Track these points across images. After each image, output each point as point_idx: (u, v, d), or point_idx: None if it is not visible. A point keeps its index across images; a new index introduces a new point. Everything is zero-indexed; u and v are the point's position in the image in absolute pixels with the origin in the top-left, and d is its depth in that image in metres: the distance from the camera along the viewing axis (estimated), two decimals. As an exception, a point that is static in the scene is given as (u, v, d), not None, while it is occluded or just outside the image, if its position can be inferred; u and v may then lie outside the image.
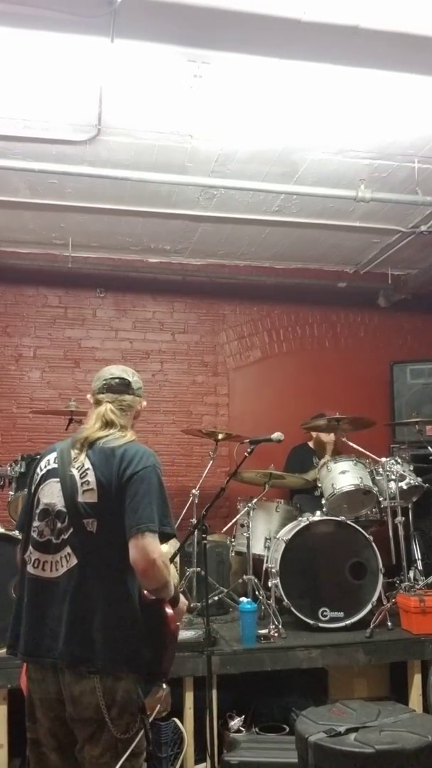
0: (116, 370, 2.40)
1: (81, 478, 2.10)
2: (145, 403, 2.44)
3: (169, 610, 2.07)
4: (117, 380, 2.34)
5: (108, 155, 4.04)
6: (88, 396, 2.37)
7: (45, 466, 2.22)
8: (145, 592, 2.09)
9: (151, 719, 2.04)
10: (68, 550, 2.06)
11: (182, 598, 2.24)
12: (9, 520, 4.29)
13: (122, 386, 2.34)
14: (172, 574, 2.11)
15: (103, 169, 4.08)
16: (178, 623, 2.11)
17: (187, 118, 3.67)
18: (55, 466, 2.18)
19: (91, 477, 2.09)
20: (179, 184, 4.34)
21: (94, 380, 2.38)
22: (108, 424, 2.23)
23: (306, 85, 3.35)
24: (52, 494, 2.14)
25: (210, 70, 3.22)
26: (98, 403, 2.31)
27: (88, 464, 2.11)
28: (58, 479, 2.14)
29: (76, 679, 1.98)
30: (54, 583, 2.06)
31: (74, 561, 2.05)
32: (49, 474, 2.19)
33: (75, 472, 2.12)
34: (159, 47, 3.04)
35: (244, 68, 3.21)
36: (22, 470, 4.17)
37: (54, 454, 2.22)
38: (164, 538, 2.05)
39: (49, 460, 2.22)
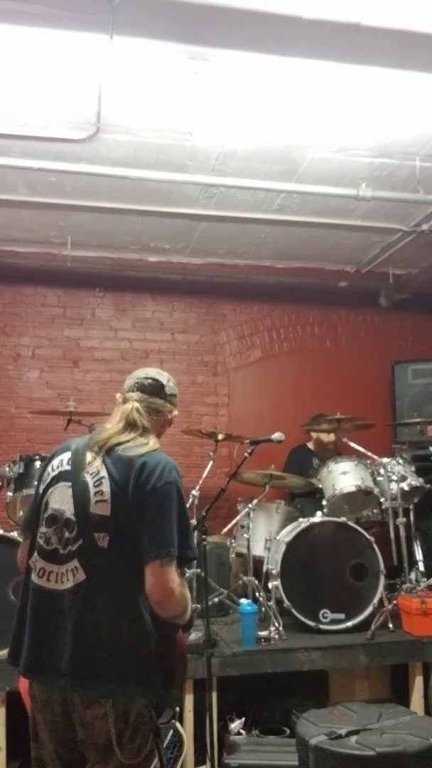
0: (152, 371, 2.25)
1: (95, 486, 1.94)
2: (176, 413, 2.29)
3: (180, 634, 1.99)
4: (150, 380, 2.20)
5: (107, 153, 4.02)
6: (117, 395, 2.21)
7: (57, 467, 2.07)
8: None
9: (165, 743, 2.00)
10: (76, 563, 1.92)
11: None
12: (8, 521, 4.26)
13: (155, 388, 2.19)
14: (187, 598, 2.03)
15: (103, 167, 4.06)
16: (185, 649, 2.03)
17: (187, 115, 3.65)
18: (68, 468, 2.03)
19: (105, 487, 1.93)
20: (179, 182, 4.32)
21: (127, 379, 2.24)
22: (131, 425, 2.08)
23: (307, 83, 3.33)
24: (62, 500, 1.99)
25: (210, 68, 3.20)
26: (125, 402, 2.15)
27: (104, 472, 1.95)
28: (70, 484, 1.99)
29: (86, 703, 1.86)
30: (59, 596, 1.93)
31: (82, 576, 1.91)
32: (61, 476, 2.03)
33: (89, 478, 1.96)
34: (158, 44, 3.02)
35: (245, 65, 3.18)
36: (21, 471, 4.15)
37: (68, 454, 2.07)
38: (185, 562, 1.95)
39: (62, 460, 2.07)
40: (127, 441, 2.03)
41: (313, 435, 5.37)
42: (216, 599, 4.31)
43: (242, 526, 4.47)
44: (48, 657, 1.91)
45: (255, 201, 4.71)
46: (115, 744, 1.83)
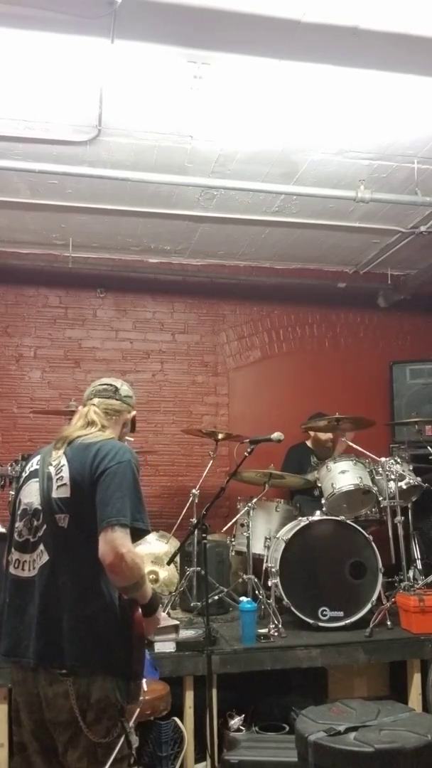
0: (106, 379, 2.45)
1: (56, 474, 2.08)
2: (134, 413, 2.45)
3: (138, 613, 1.99)
4: (105, 386, 2.38)
5: (108, 156, 4.05)
6: (79, 407, 2.40)
7: (29, 469, 2.23)
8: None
9: (132, 722, 1.97)
10: (41, 547, 2.04)
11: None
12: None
13: (109, 391, 2.37)
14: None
15: (104, 169, 4.09)
16: (144, 631, 2.02)
17: (188, 118, 3.68)
18: (37, 467, 2.17)
19: (65, 473, 2.07)
20: (179, 184, 4.35)
21: (86, 390, 2.43)
22: (90, 423, 2.23)
23: (306, 86, 3.35)
24: (30, 493, 2.14)
25: (210, 71, 3.23)
26: (85, 405, 2.35)
27: (64, 461, 2.10)
28: (37, 479, 2.13)
29: (49, 681, 1.94)
30: (30, 582, 2.04)
31: (46, 557, 2.02)
32: (31, 475, 2.18)
33: (52, 469, 2.10)
34: (159, 48, 3.05)
35: (244, 69, 3.21)
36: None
37: (38, 457, 2.22)
38: (137, 535, 1.98)
39: (32, 463, 2.23)
40: (87, 434, 2.17)
41: (311, 433, 5.39)
42: (216, 597, 4.34)
43: (242, 525, 4.49)
44: (22, 639, 2.01)
45: (254, 203, 4.74)
46: (81, 722, 1.88)
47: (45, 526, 2.05)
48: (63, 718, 1.91)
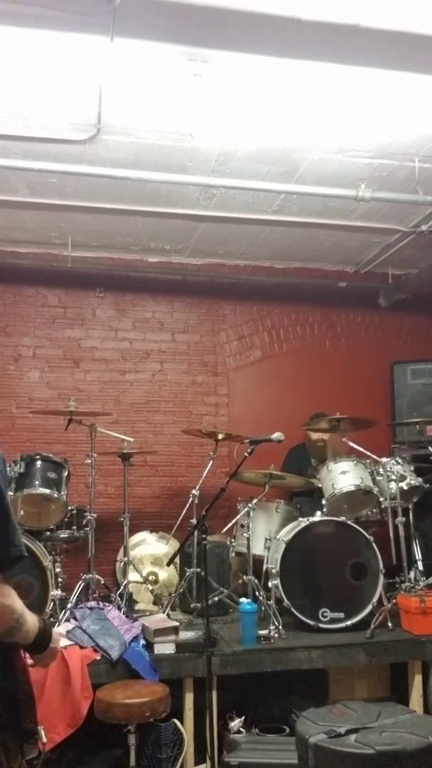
0: None
1: None
2: None
3: (22, 659, 1.68)
4: None
5: (108, 154, 4.03)
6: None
7: None
8: None
9: None
10: None
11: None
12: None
13: None
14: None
15: (103, 168, 4.08)
16: (31, 680, 1.68)
17: (187, 117, 3.67)
18: None
19: None
20: (179, 183, 4.33)
21: None
22: None
23: (306, 84, 3.34)
24: None
25: (210, 69, 3.22)
26: None
27: None
28: None
29: None
30: None
31: None
32: None
33: None
34: (159, 46, 3.04)
35: (244, 67, 3.20)
36: (22, 471, 4.17)
37: None
38: (6, 565, 1.59)
39: None
40: None
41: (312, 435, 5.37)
42: (216, 598, 4.32)
43: (242, 526, 4.48)
44: None
45: (255, 202, 4.73)
46: None
47: None
48: None
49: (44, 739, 1.71)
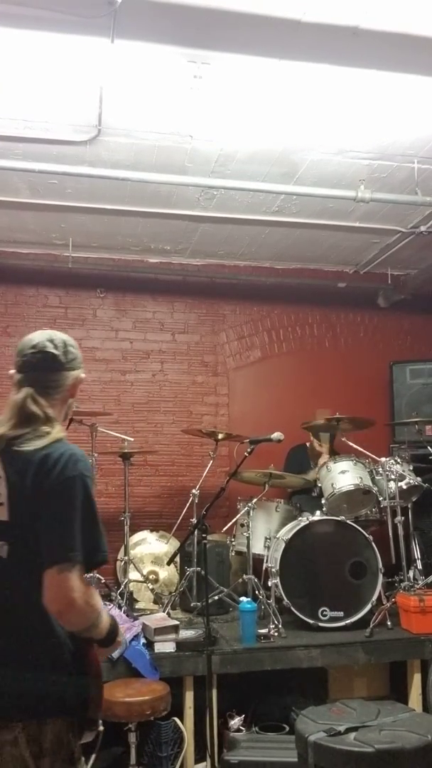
0: (39, 339, 1.82)
1: None
2: (83, 375, 1.90)
3: (94, 651, 1.78)
4: (39, 355, 1.80)
5: (108, 156, 4.05)
6: (10, 372, 1.84)
7: None
8: None
9: None
10: None
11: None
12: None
13: (46, 361, 1.80)
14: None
15: (104, 169, 4.09)
16: (100, 669, 1.80)
17: (188, 118, 3.68)
18: None
19: (2, 488, 1.70)
20: (179, 184, 4.35)
21: (15, 353, 1.86)
22: (26, 419, 1.75)
23: (306, 86, 3.35)
24: None
25: (210, 71, 3.23)
26: (18, 386, 1.79)
27: (0, 472, 1.72)
28: None
29: None
30: None
31: None
32: None
33: None
34: (159, 48, 3.05)
35: (244, 69, 3.21)
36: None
37: None
38: (92, 567, 1.71)
39: None
40: (25, 434, 1.73)
41: (311, 438, 5.38)
42: (216, 597, 4.33)
43: (242, 525, 4.49)
44: None
45: (254, 203, 4.74)
46: None
47: None
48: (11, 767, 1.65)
49: (101, 728, 1.85)
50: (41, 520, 1.65)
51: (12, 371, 1.83)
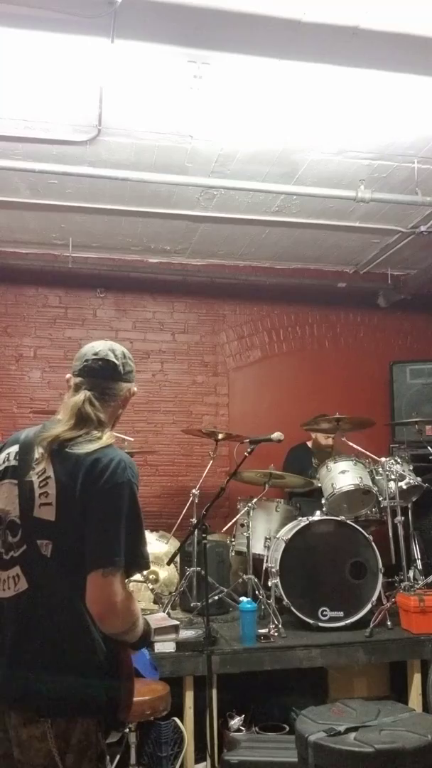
0: (101, 347, 1.93)
1: (40, 488, 1.74)
2: (135, 389, 2.01)
3: (127, 653, 1.81)
4: (101, 362, 1.90)
5: (108, 155, 4.05)
6: (68, 376, 1.95)
7: (4, 461, 1.87)
8: None
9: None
10: (18, 570, 1.74)
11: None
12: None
13: (107, 370, 1.91)
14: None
15: (104, 169, 4.09)
16: (132, 670, 1.83)
17: (188, 118, 3.68)
18: (15, 463, 1.82)
19: (51, 489, 1.73)
20: (179, 184, 4.35)
21: (75, 358, 1.95)
22: (83, 420, 1.83)
23: (306, 86, 3.35)
24: (8, 499, 1.79)
25: (210, 71, 3.23)
26: (77, 390, 1.90)
27: (50, 471, 1.75)
28: (16, 482, 1.79)
29: (23, 721, 1.67)
30: (3, 604, 1.76)
31: (24, 585, 1.72)
32: (7, 472, 1.83)
33: (35, 478, 1.76)
34: (159, 48, 3.05)
35: (244, 69, 3.21)
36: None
37: (15, 448, 1.86)
38: (134, 572, 1.77)
39: (9, 455, 1.86)
40: (78, 436, 1.80)
41: (313, 435, 5.39)
42: (216, 597, 4.33)
43: (242, 525, 4.49)
44: None
45: (255, 203, 4.74)
46: (60, 765, 1.66)
47: (24, 548, 1.73)
48: (38, 762, 1.67)
49: (127, 729, 1.92)
50: (88, 524, 1.69)
51: (69, 375, 1.94)
